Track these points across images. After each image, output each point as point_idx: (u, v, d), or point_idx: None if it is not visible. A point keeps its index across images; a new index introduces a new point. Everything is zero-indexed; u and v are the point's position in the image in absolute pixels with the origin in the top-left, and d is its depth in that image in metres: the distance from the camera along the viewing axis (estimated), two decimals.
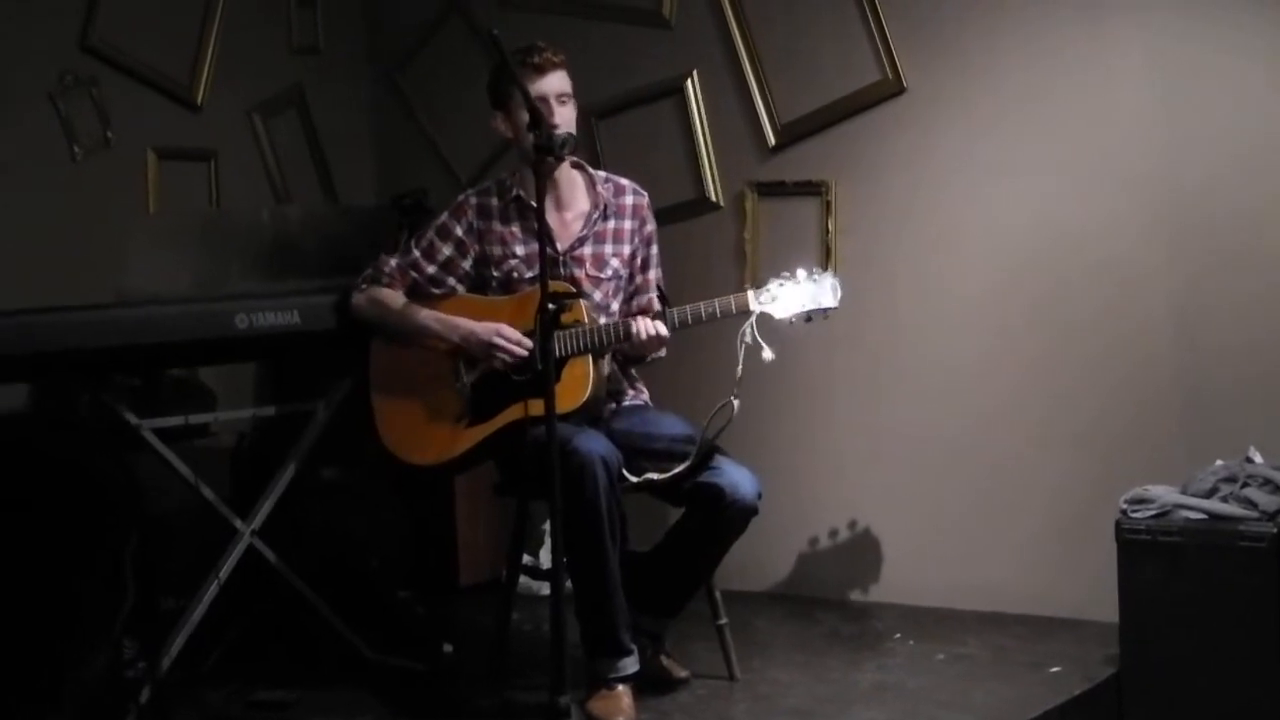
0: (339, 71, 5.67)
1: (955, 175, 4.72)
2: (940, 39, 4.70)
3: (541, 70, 3.91)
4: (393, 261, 4.07)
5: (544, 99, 3.88)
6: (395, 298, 4.04)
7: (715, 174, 5.08)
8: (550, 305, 3.44)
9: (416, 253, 4.05)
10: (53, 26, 4.81)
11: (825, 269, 3.91)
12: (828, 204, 4.89)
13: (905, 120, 4.77)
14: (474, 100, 5.42)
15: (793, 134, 4.95)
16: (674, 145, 5.12)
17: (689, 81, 5.10)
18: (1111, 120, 4.48)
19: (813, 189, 4.92)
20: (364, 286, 4.08)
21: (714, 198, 5.09)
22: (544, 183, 3.63)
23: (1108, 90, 4.48)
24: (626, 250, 4.07)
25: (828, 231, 4.88)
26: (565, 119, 3.92)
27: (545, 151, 3.60)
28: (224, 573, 4.13)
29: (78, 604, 4.06)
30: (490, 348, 3.89)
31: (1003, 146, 4.64)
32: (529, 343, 3.85)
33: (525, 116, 3.64)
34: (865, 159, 4.84)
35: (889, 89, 4.77)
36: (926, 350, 4.79)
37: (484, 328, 3.91)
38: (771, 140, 4.98)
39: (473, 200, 4.06)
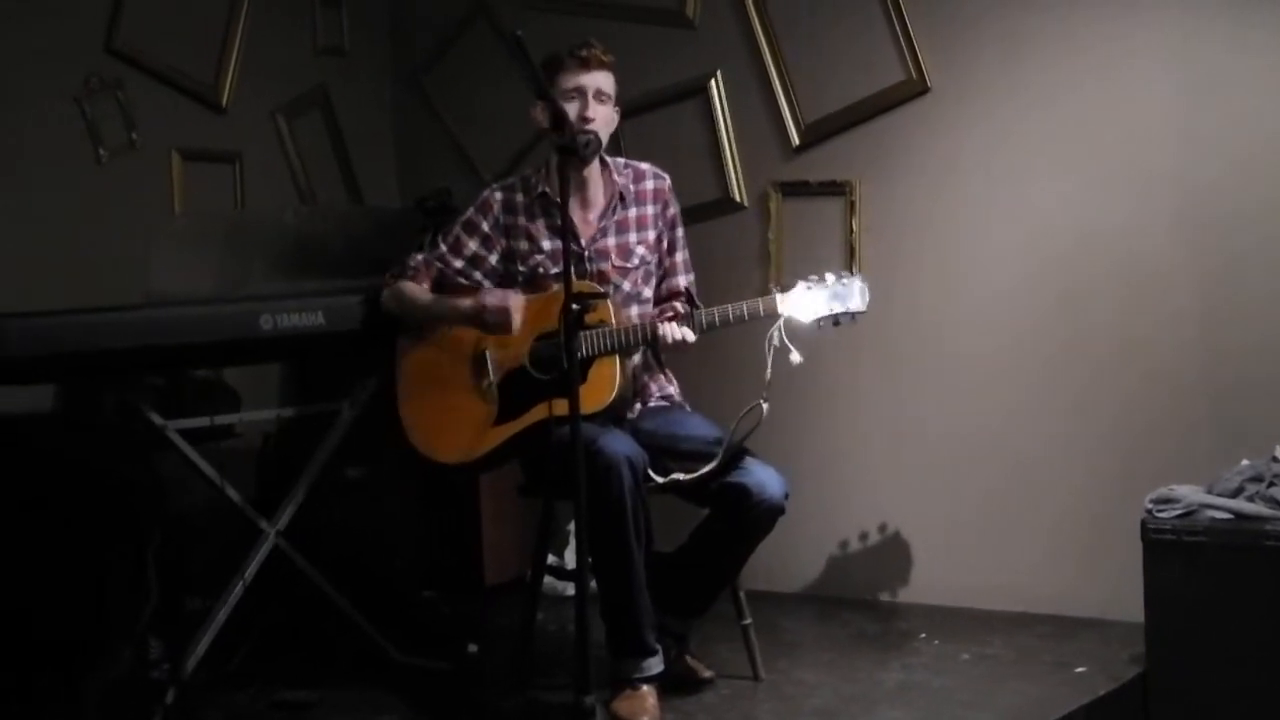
0: (363, 73, 5.68)
1: (979, 175, 4.71)
2: (963, 39, 4.69)
3: (586, 65, 3.92)
4: (419, 256, 4.09)
5: (581, 91, 3.90)
6: (420, 289, 4.05)
7: (739, 174, 5.08)
8: (575, 305, 3.45)
9: (443, 247, 4.07)
10: (78, 29, 4.83)
11: (853, 272, 3.89)
12: (851, 204, 4.88)
13: (929, 120, 4.76)
14: (498, 101, 5.47)
15: (816, 134, 4.95)
16: (698, 145, 5.12)
17: (713, 82, 5.10)
18: (1134, 119, 4.47)
19: (836, 189, 4.91)
20: (391, 281, 4.09)
21: (738, 198, 5.09)
22: (569, 180, 3.63)
23: (1131, 90, 4.47)
24: (651, 235, 4.07)
25: (851, 231, 4.88)
26: (600, 116, 3.92)
27: (568, 152, 3.61)
28: (249, 573, 4.15)
29: (101, 605, 4.07)
30: (482, 316, 3.90)
31: (1026, 146, 4.63)
32: (520, 306, 3.87)
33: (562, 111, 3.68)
34: (889, 159, 4.84)
35: (913, 89, 4.76)
36: (950, 349, 4.78)
37: (494, 297, 3.92)
38: (795, 140, 4.98)
39: (498, 195, 4.07)
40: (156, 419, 3.98)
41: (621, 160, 4.11)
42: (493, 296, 3.94)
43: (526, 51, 3.59)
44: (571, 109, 3.87)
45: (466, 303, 3.97)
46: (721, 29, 5.07)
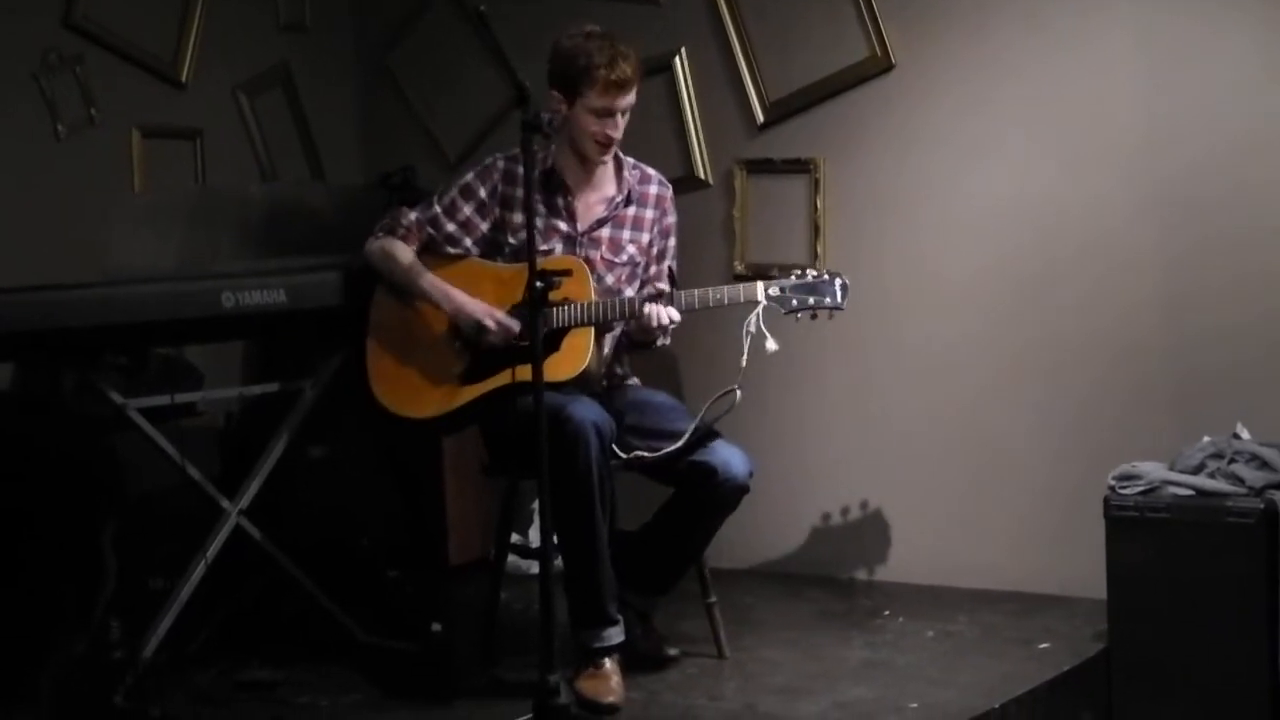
0: (326, 49, 5.63)
1: (944, 152, 4.71)
2: (929, 16, 4.68)
3: (621, 88, 3.89)
4: (412, 215, 4.05)
5: (610, 112, 3.89)
6: (406, 253, 4.02)
7: (704, 151, 5.07)
8: (539, 283, 3.43)
9: (438, 208, 4.04)
10: (35, 4, 4.77)
11: (834, 271, 3.93)
12: (816, 181, 4.88)
13: (894, 97, 4.76)
14: (463, 78, 5.44)
15: (781, 111, 4.94)
16: (663, 123, 5.10)
17: (678, 59, 5.08)
18: (1102, 98, 4.48)
19: (801, 166, 4.91)
20: (380, 235, 4.06)
21: (703, 175, 5.07)
22: (533, 155, 3.59)
23: (1098, 68, 4.47)
24: (645, 238, 4.06)
25: (816, 209, 4.87)
26: (613, 129, 3.92)
27: (533, 130, 3.58)
28: (211, 553, 4.12)
29: (56, 589, 4.05)
30: (479, 328, 3.89)
31: (992, 124, 4.63)
32: (515, 325, 3.85)
33: (582, 112, 3.79)
34: (854, 136, 4.83)
35: (877, 66, 4.76)
36: (916, 328, 4.79)
37: (478, 307, 3.90)
38: (760, 118, 4.97)
39: (500, 164, 4.04)
40: (117, 398, 3.94)
41: (630, 160, 4.10)
42: (498, 313, 3.90)
43: (490, 27, 3.58)
44: (594, 124, 3.89)
45: (465, 303, 3.93)
46: (686, 6, 5.06)
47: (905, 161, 4.77)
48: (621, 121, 3.94)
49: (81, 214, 4.67)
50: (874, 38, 4.73)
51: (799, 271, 3.88)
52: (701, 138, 5.07)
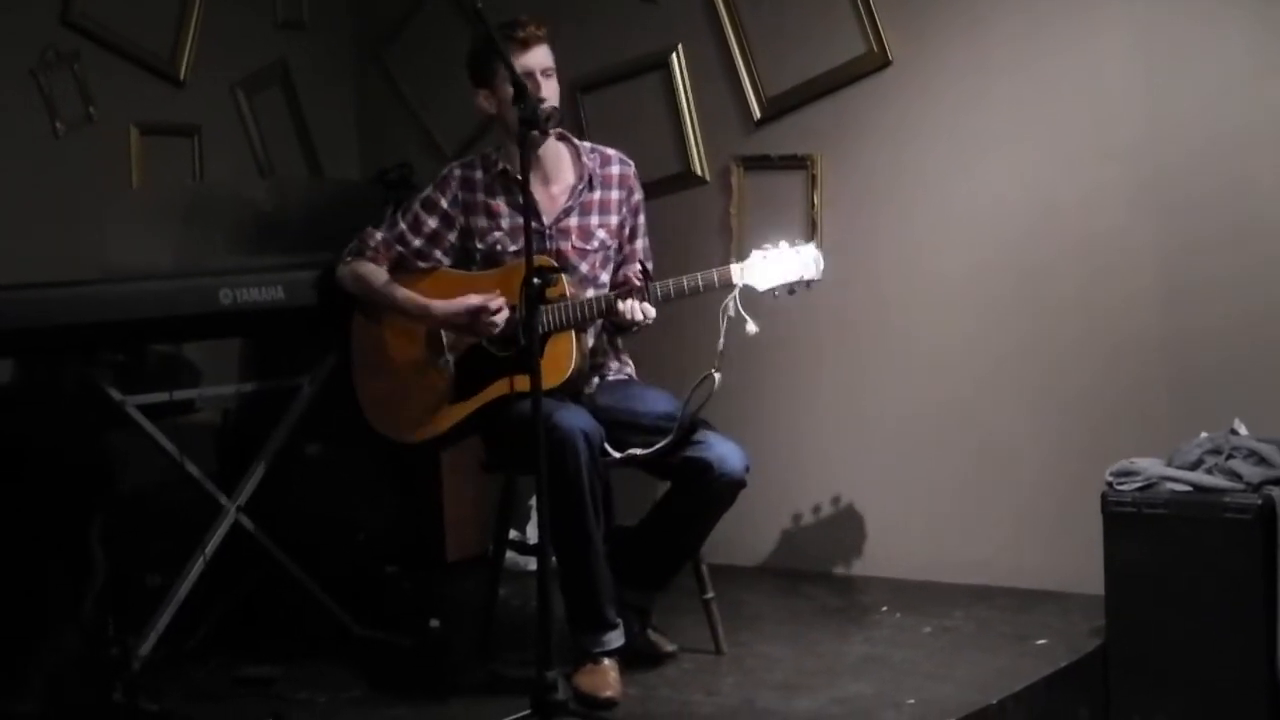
0: (324, 46, 5.64)
1: (941, 149, 4.71)
2: (925, 12, 4.69)
3: (526, 44, 3.89)
4: (378, 235, 4.05)
5: (529, 73, 3.86)
6: (377, 274, 4.02)
7: (701, 148, 5.07)
8: (535, 280, 3.44)
9: (402, 225, 4.04)
10: (35, 1, 4.78)
11: (807, 240, 3.89)
12: (813, 178, 4.88)
13: (891, 94, 4.76)
14: (459, 75, 5.39)
15: (778, 108, 4.94)
16: (659, 119, 5.11)
17: (674, 55, 5.08)
18: (1098, 94, 4.48)
19: (798, 163, 4.91)
20: (348, 259, 4.06)
21: (699, 172, 5.08)
22: (529, 156, 3.61)
23: (1095, 64, 4.48)
24: (614, 221, 4.05)
25: (813, 205, 4.87)
26: (551, 92, 3.90)
27: (530, 125, 3.59)
28: (210, 549, 4.13)
29: (42, 586, 4.05)
30: (468, 329, 3.89)
31: (989, 120, 4.63)
32: (502, 302, 3.84)
33: (510, 90, 3.62)
34: (850, 133, 4.83)
35: (874, 62, 4.76)
36: (912, 324, 4.79)
37: (457, 306, 3.89)
38: (757, 114, 4.97)
39: (457, 173, 4.05)
40: (115, 394, 3.95)
41: (588, 145, 4.09)
42: (473, 299, 3.87)
43: (489, 24, 3.58)
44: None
45: (447, 308, 3.91)
46: (683, 2, 5.05)
47: (902, 158, 4.77)
48: (545, 82, 3.88)
49: (79, 211, 4.67)
50: (871, 34, 4.74)
51: (770, 246, 3.81)
52: (698, 134, 5.07)
